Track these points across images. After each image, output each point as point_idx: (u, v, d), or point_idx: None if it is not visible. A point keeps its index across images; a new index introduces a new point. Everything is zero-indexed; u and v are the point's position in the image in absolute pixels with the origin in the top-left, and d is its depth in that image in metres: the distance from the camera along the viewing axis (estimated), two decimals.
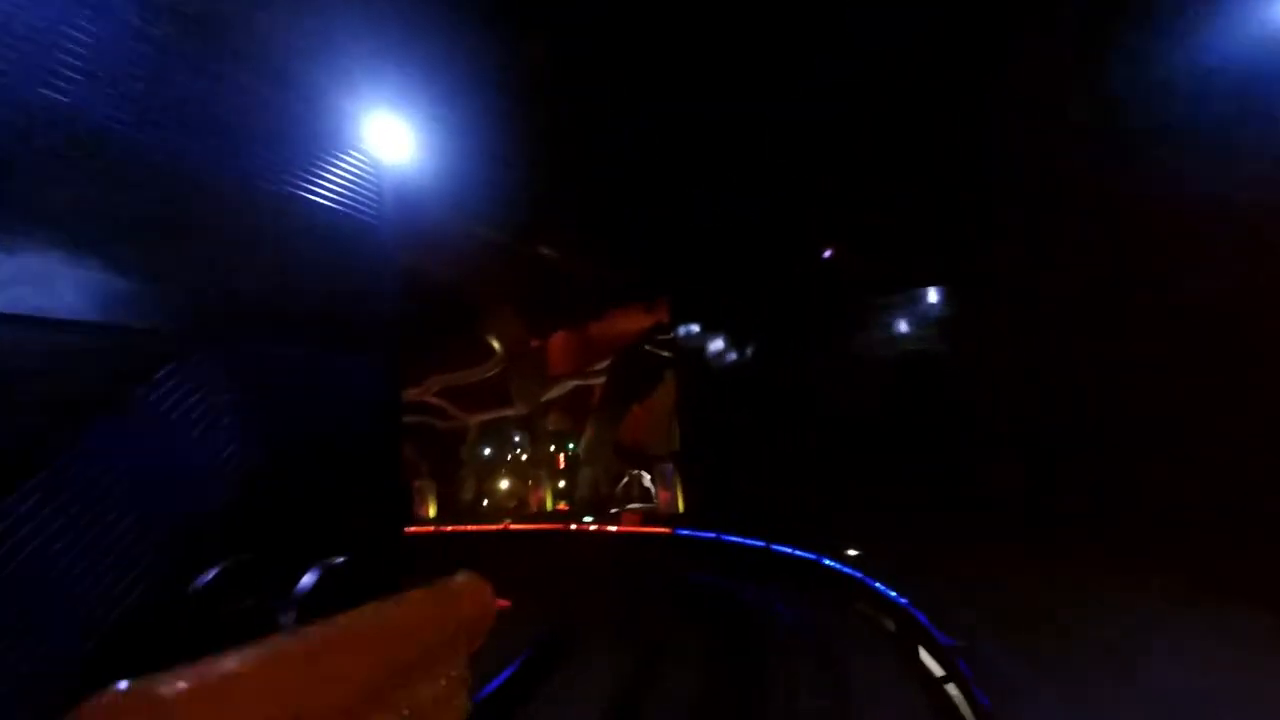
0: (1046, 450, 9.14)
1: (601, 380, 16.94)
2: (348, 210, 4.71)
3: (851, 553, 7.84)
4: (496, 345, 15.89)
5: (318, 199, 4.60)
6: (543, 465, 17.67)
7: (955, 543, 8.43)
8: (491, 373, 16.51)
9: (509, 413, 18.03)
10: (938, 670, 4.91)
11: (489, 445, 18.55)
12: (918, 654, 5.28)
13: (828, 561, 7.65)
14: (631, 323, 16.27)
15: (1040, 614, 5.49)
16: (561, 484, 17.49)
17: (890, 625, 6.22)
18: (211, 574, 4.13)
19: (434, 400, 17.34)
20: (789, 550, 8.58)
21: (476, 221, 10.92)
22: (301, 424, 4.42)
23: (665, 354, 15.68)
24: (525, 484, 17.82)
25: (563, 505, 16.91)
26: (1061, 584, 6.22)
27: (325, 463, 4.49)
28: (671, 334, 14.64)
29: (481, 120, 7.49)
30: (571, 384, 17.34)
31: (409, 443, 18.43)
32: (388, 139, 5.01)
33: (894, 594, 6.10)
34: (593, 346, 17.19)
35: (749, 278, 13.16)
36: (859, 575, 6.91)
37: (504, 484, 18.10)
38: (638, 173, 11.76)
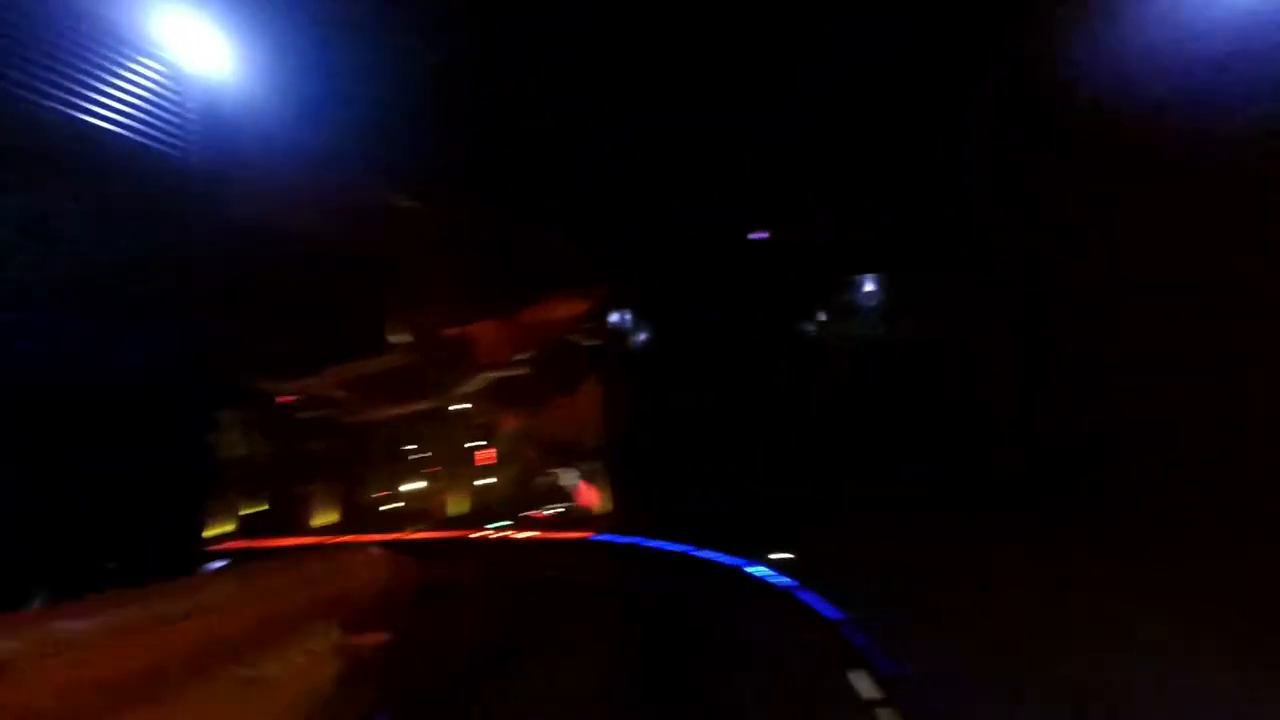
0: (1046, 450, 9.06)
1: (524, 372, 15.94)
2: (134, 134, 3.53)
3: (777, 557, 7.32)
4: (403, 331, 14.52)
5: (89, 116, 3.41)
6: (458, 464, 16.44)
7: (952, 541, 8.17)
8: (400, 362, 15.09)
9: (423, 406, 16.64)
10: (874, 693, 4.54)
11: (401, 443, 17.08)
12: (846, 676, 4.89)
13: (751, 570, 7.11)
14: (565, 310, 15.34)
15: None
16: (479, 483, 16.35)
17: (820, 639, 5.85)
18: None
19: (336, 393, 15.70)
20: (712, 556, 8.04)
21: (358, 176, 9.12)
22: (54, 409, 3.28)
23: (593, 343, 14.92)
24: (436, 485, 16.53)
25: (470, 508, 15.82)
26: (1062, 582, 6.11)
27: (85, 459, 3.38)
28: (603, 323, 13.96)
29: (352, 28, 5.87)
30: (492, 376, 16.21)
31: (312, 440, 16.71)
32: (191, 40, 3.70)
33: (826, 607, 5.61)
34: (521, 335, 16.12)
35: (694, 265, 12.66)
36: (788, 583, 6.39)
37: (414, 485, 16.72)
38: (579, 144, 10.74)
